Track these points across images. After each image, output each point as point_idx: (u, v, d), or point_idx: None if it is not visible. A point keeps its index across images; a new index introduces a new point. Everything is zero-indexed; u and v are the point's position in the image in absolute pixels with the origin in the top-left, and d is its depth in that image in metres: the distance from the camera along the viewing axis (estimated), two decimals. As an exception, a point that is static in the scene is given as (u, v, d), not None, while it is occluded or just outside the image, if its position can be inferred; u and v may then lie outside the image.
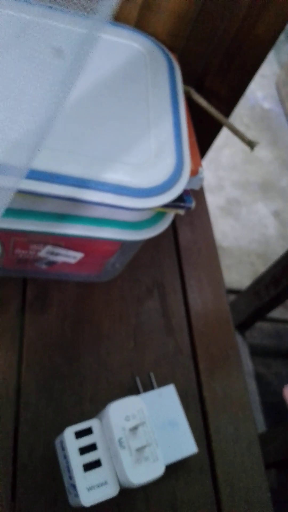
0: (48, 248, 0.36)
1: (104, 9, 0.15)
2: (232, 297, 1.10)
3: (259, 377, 1.08)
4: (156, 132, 0.32)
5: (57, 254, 0.37)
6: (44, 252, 0.36)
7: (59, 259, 0.37)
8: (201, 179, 0.32)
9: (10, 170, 0.25)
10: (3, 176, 0.22)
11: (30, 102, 0.26)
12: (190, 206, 0.33)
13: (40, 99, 0.24)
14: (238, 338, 1.07)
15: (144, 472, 0.30)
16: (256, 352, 1.11)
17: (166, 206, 0.32)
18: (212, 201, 1.45)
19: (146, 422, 0.31)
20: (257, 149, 1.62)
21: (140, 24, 0.40)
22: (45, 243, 0.35)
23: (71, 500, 0.32)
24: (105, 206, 0.29)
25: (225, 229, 1.40)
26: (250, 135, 1.70)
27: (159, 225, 0.34)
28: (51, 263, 0.38)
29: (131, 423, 0.31)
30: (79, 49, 0.17)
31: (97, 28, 0.16)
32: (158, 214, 0.35)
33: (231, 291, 1.18)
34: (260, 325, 1.13)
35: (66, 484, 0.32)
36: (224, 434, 0.39)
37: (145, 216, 0.34)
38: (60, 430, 0.32)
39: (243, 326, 1.05)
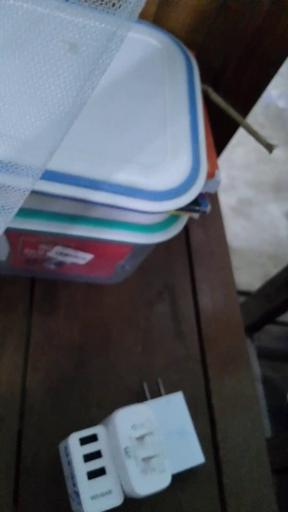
0: (58, 248, 0.35)
1: (130, 6, 0.14)
2: (241, 299, 1.08)
3: (266, 381, 1.06)
4: (172, 132, 0.30)
5: (66, 255, 0.36)
6: (53, 252, 0.35)
7: (69, 259, 0.36)
8: (218, 182, 0.31)
9: (23, 170, 0.24)
10: (16, 176, 0.21)
11: (43, 100, 0.25)
12: (206, 210, 0.31)
13: (54, 97, 0.23)
14: (246, 340, 1.06)
15: (150, 482, 0.29)
16: (263, 355, 1.09)
17: (181, 209, 0.31)
18: (224, 200, 1.43)
19: (154, 432, 0.30)
20: (271, 149, 1.60)
21: (158, 19, 0.38)
22: (55, 244, 0.34)
23: (74, 507, 0.31)
24: (117, 209, 0.28)
25: (236, 230, 1.38)
26: (264, 134, 1.68)
27: (172, 228, 0.33)
28: (60, 264, 0.37)
29: (138, 432, 0.30)
30: (96, 45, 0.16)
31: (124, 27, 0.15)
32: (171, 217, 0.34)
33: (240, 293, 1.17)
34: (268, 327, 1.11)
35: (69, 491, 0.31)
36: (232, 444, 0.38)
37: (158, 219, 0.33)
38: (66, 434, 0.31)
39: (251, 329, 1.04)
